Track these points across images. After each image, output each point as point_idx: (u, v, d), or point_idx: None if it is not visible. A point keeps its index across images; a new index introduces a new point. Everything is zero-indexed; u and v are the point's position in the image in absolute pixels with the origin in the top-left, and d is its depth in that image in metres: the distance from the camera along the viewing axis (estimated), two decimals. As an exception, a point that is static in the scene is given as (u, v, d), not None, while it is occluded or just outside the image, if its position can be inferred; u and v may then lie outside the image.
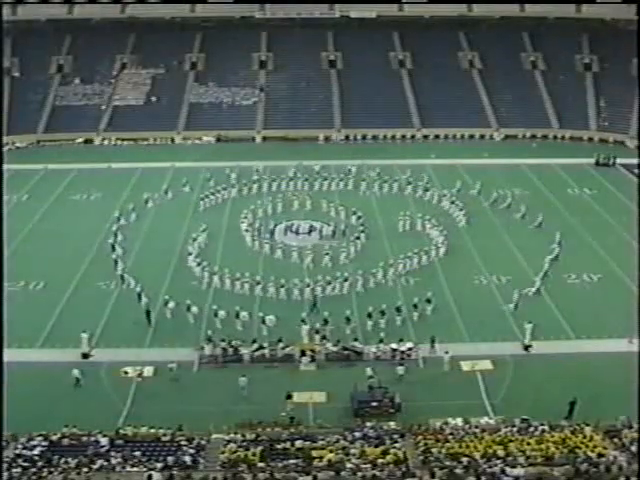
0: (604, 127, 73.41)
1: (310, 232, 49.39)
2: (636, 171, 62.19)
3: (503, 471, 22.42)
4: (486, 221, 51.58)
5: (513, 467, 22.75)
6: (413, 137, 73.69)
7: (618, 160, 64.79)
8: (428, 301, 38.37)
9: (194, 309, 38.09)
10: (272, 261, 45.17)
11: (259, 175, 59.34)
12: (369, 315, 37.28)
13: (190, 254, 44.20)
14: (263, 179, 58.53)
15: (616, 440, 26.09)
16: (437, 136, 73.37)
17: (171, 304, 38.44)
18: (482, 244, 47.21)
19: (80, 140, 72.02)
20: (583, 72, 78.38)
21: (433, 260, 44.83)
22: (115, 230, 48.60)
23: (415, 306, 38.20)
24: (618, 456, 24.41)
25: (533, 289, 40.57)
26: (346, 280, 40.97)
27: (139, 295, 39.61)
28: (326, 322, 36.49)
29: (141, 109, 75.94)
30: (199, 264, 42.94)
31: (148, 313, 37.95)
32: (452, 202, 53.28)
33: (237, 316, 37.35)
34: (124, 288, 41.38)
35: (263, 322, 36.93)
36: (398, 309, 37.85)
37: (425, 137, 73.62)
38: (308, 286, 40.21)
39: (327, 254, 44.78)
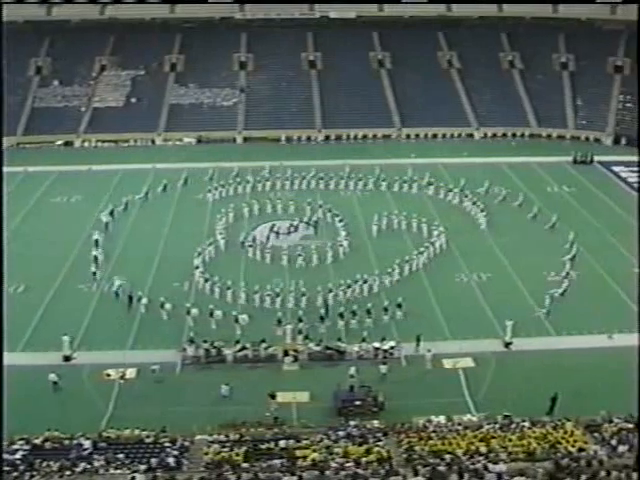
0: (582, 125, 73.92)
1: (289, 232, 49.22)
2: (614, 169, 62.84)
3: (486, 467, 22.48)
4: (504, 221, 51.38)
5: (495, 463, 22.81)
6: (394, 136, 73.80)
7: (595, 158, 65.29)
8: (399, 305, 38.14)
9: (167, 306, 38.21)
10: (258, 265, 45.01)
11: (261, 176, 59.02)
12: (353, 313, 37.41)
13: (197, 267, 42.81)
14: (246, 180, 58.29)
15: (596, 435, 26.27)
16: (417, 135, 73.52)
17: (168, 305, 38.41)
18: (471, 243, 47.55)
19: (60, 142, 71.45)
20: (560, 71, 78.87)
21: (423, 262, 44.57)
22: (97, 232, 48.35)
23: (386, 310, 38.01)
24: (599, 450, 24.57)
25: (560, 290, 40.16)
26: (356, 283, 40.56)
27: (116, 293, 40.04)
28: (300, 320, 36.54)
29: (121, 110, 75.44)
30: (207, 280, 41.37)
31: (130, 299, 38.85)
32: (474, 203, 52.90)
33: (211, 315, 37.37)
34: (105, 290, 41.20)
35: (236, 321, 36.89)
36: (385, 309, 37.93)
37: (406, 136, 73.75)
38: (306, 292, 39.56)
39: (314, 253, 44.77)
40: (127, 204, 54.17)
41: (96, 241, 46.98)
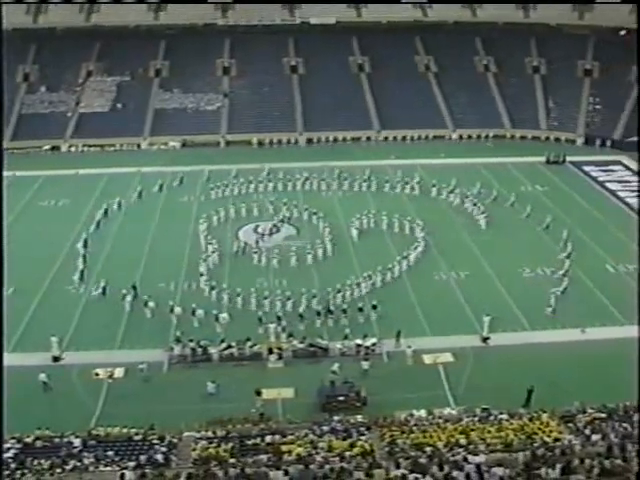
0: (553, 127, 74.41)
1: (272, 233, 49.01)
2: (585, 168, 63.31)
3: (465, 459, 22.54)
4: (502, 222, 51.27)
5: (475, 455, 22.88)
6: (373, 138, 73.84)
7: (568, 158, 65.72)
8: (374, 307, 38.04)
9: (151, 304, 38.13)
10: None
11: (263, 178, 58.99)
12: (344, 311, 37.50)
13: (202, 275, 41.99)
14: (233, 183, 58.12)
15: (571, 425, 26.47)
16: (396, 137, 73.62)
17: (151, 304, 38.35)
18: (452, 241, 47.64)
19: (47, 147, 70.79)
20: (532, 74, 79.31)
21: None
22: (86, 234, 48.29)
23: (361, 309, 37.97)
24: (573, 440, 24.75)
25: (560, 289, 40.08)
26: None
27: (104, 289, 40.11)
28: (279, 319, 36.52)
29: (107, 116, 74.86)
30: (213, 287, 40.37)
31: (104, 289, 39.85)
32: (474, 204, 52.70)
33: (193, 313, 37.25)
34: (92, 291, 41.03)
35: (217, 320, 36.80)
36: (360, 309, 37.94)
37: (384, 139, 73.92)
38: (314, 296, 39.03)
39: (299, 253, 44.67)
40: (120, 203, 54.14)
41: (85, 240, 46.89)
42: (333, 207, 53.78)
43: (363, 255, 45.52)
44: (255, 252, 45.29)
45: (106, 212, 52.42)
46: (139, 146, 72.37)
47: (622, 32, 77.00)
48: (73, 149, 71.49)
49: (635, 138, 68.08)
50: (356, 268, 43.28)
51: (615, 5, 72.17)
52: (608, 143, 70.20)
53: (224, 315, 37.11)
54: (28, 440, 26.42)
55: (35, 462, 24.58)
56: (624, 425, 25.77)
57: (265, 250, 45.62)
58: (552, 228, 49.17)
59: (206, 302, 39.08)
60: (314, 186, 58.11)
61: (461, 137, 73.92)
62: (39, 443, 26.33)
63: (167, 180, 59.31)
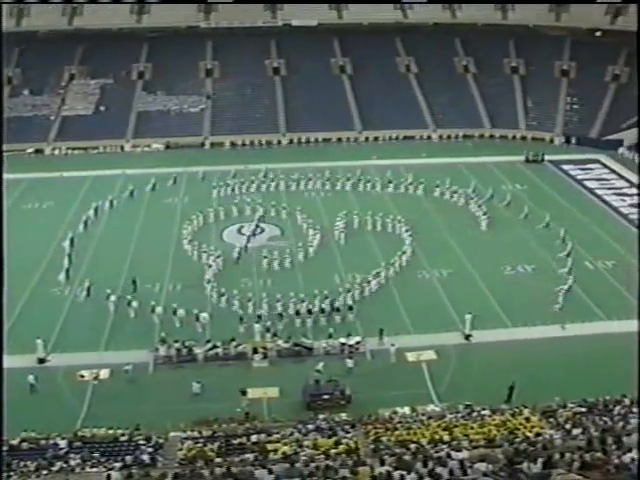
0: (532, 126, 74.79)
1: (255, 234, 48.81)
2: (564, 167, 63.71)
3: (449, 455, 22.53)
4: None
5: (458, 451, 22.89)
6: (354, 139, 73.92)
7: (546, 157, 66.09)
8: (350, 308, 37.88)
9: (134, 304, 37.92)
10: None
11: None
12: (337, 310, 37.52)
13: (209, 282, 40.85)
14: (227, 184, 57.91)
15: (552, 420, 26.57)
16: (377, 138, 73.66)
17: (134, 304, 38.11)
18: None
19: (31, 150, 70.14)
20: (511, 75, 79.68)
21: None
22: (73, 233, 48.09)
23: (338, 309, 37.85)
24: (554, 434, 24.85)
25: (565, 286, 39.91)
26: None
27: (88, 290, 39.81)
28: (259, 318, 36.39)
29: (90, 118, 74.39)
30: (223, 295, 39.24)
31: (89, 290, 39.60)
32: (479, 205, 52.28)
33: (174, 313, 37.05)
34: (77, 292, 40.74)
35: (197, 319, 36.61)
36: (337, 309, 37.78)
37: (365, 139, 73.91)
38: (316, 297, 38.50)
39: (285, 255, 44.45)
40: (112, 202, 54.25)
41: (71, 239, 46.71)
42: (316, 207, 53.68)
43: (348, 256, 45.41)
44: (265, 257, 44.35)
45: (96, 211, 52.34)
46: (122, 148, 71.93)
47: (597, 33, 77.79)
48: (57, 152, 70.92)
49: (613, 136, 69.00)
50: (340, 268, 43.30)
51: (590, 7, 73.03)
52: (585, 142, 70.68)
53: (204, 315, 36.89)
54: (14, 442, 26.10)
55: (21, 464, 24.27)
56: (604, 419, 25.93)
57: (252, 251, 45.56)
58: (551, 227, 49.25)
59: (215, 308, 38.35)
60: (299, 186, 58.00)
61: (441, 137, 74.11)
62: (25, 445, 26.03)
63: (151, 182, 58.85)
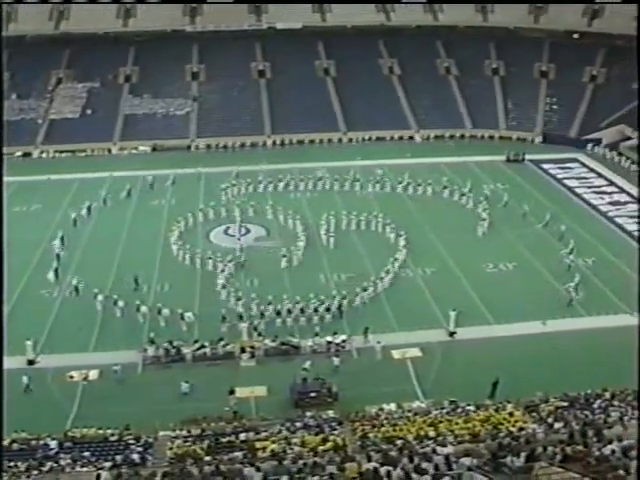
0: (512, 126, 75.12)
1: (240, 235, 48.59)
2: (544, 166, 64.03)
3: (434, 450, 22.56)
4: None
5: (443, 446, 22.92)
6: (338, 140, 73.90)
7: (527, 156, 66.38)
8: (327, 309, 37.63)
9: (120, 303, 37.78)
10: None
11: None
12: (288, 311, 37.10)
13: (224, 287, 40.25)
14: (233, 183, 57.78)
15: (534, 414, 26.71)
16: (361, 139, 73.60)
17: (120, 303, 37.99)
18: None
19: (18, 154, 69.40)
20: (491, 76, 79.85)
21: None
22: (62, 233, 47.87)
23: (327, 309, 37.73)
24: (536, 428, 24.97)
25: (572, 284, 39.63)
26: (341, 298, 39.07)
27: (76, 289, 39.76)
28: (241, 317, 36.25)
29: (77, 122, 73.80)
30: (240, 299, 38.41)
31: (77, 289, 39.67)
32: (484, 209, 51.47)
33: (159, 312, 36.90)
34: (66, 292, 40.58)
35: (182, 318, 36.47)
36: (328, 309, 37.68)
37: (349, 140, 73.91)
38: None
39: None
40: (106, 200, 54.37)
41: (61, 238, 46.54)
42: (302, 208, 53.57)
43: (334, 255, 45.44)
44: (284, 256, 44.21)
45: (89, 210, 52.32)
46: (110, 151, 71.44)
47: (575, 35, 78.31)
48: (44, 155, 70.43)
49: (592, 135, 69.38)
50: (326, 269, 43.34)
51: (568, 9, 73.58)
52: (564, 141, 71.01)
53: (189, 314, 36.72)
54: (4, 443, 25.87)
55: (12, 464, 24.10)
56: (585, 412, 26.10)
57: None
58: (551, 226, 49.29)
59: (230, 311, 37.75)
60: (283, 187, 58.00)
61: (424, 137, 74.27)
62: (15, 446, 25.87)
63: (138, 184, 58.64)
